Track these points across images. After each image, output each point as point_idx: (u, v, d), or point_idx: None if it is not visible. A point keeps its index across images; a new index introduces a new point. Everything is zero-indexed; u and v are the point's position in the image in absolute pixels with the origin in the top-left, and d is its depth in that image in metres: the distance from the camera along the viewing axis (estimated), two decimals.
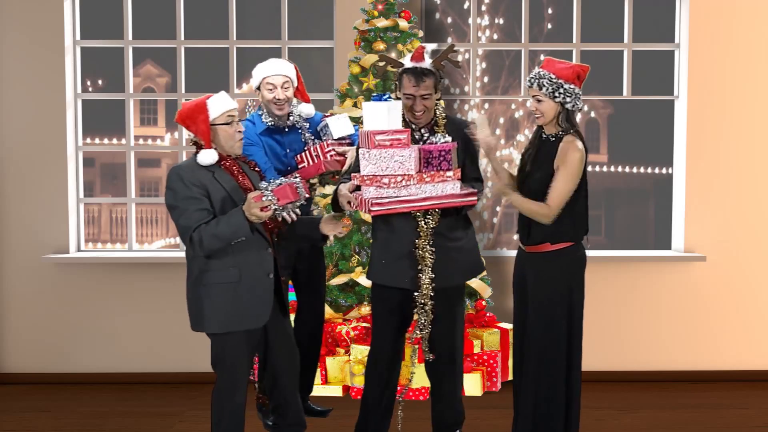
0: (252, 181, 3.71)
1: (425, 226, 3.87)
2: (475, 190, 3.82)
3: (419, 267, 3.88)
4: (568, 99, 3.81)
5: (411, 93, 3.86)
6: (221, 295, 3.59)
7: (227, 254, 3.57)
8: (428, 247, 3.87)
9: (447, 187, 3.74)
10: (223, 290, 3.58)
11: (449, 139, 3.84)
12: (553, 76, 3.81)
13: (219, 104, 3.63)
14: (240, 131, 3.68)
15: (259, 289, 3.63)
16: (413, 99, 3.86)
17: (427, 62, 3.87)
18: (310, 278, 4.46)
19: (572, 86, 3.81)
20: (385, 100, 3.74)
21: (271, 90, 4.17)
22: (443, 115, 3.96)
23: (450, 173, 3.72)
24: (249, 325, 3.63)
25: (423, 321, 3.92)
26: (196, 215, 3.51)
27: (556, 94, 3.80)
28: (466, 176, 3.94)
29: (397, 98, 3.91)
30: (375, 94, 3.85)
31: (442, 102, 4.04)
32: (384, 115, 3.69)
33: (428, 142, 3.86)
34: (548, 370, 3.88)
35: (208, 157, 3.59)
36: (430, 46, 3.90)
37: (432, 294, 3.89)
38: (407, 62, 3.89)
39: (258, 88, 4.24)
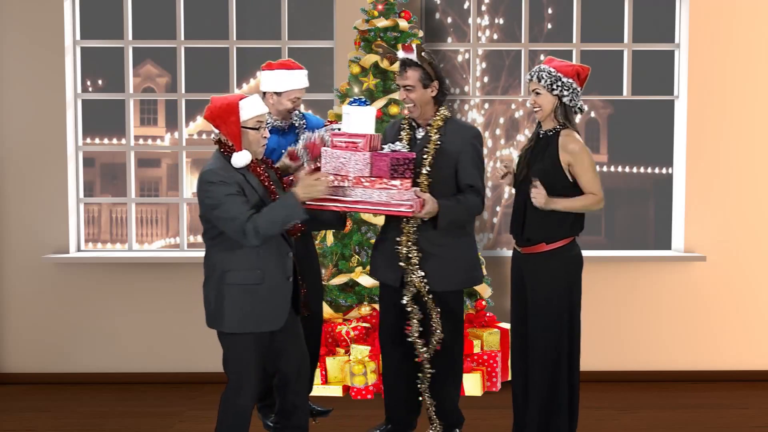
0: (274, 183, 3.73)
1: (407, 227, 3.91)
2: (410, 203, 3.68)
3: (403, 266, 3.92)
4: (565, 92, 3.85)
5: (397, 83, 3.96)
6: (243, 295, 3.58)
7: (252, 255, 3.58)
8: (412, 246, 3.91)
9: (374, 195, 3.70)
10: (245, 291, 3.59)
11: (404, 148, 3.80)
12: (553, 70, 3.87)
13: (251, 107, 3.60)
14: (266, 137, 3.68)
15: (279, 293, 3.65)
16: (400, 89, 3.95)
17: (413, 54, 3.91)
18: (306, 278, 4.43)
19: (570, 81, 3.85)
20: (362, 104, 3.79)
21: (294, 101, 4.23)
22: (443, 116, 3.97)
23: (396, 182, 3.67)
24: (265, 327, 3.62)
25: (413, 320, 3.97)
26: (244, 207, 3.51)
27: (554, 87, 3.85)
28: (459, 182, 3.93)
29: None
30: (353, 98, 3.88)
31: (447, 107, 4.03)
32: (349, 119, 3.77)
33: (385, 148, 3.83)
34: (551, 371, 3.89)
35: (241, 159, 3.58)
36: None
37: (420, 294, 3.92)
38: (400, 53, 3.96)
39: (276, 93, 4.23)
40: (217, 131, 3.64)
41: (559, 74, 3.86)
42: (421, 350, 4.00)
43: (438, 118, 3.96)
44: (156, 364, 5.82)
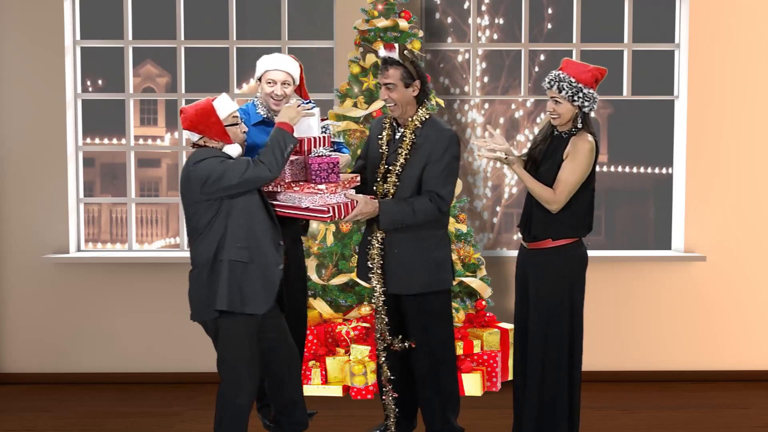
0: None
1: (375, 228, 3.95)
2: (326, 210, 3.71)
3: (369, 265, 3.98)
4: (586, 103, 3.83)
5: (378, 81, 3.98)
6: (233, 272, 3.64)
7: (242, 234, 3.65)
8: (377, 246, 3.94)
9: (303, 199, 3.78)
10: (235, 267, 3.65)
11: (331, 154, 3.83)
12: (573, 80, 3.82)
13: (224, 106, 3.69)
14: (244, 131, 3.75)
15: (268, 276, 3.71)
16: (381, 88, 3.95)
17: (395, 53, 3.91)
18: (293, 276, 4.40)
19: (591, 91, 3.83)
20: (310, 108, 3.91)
21: (270, 84, 4.16)
22: (421, 117, 3.94)
23: (322, 186, 3.74)
24: (249, 309, 3.67)
25: (378, 323, 4.03)
26: (241, 159, 3.63)
27: (575, 98, 3.81)
28: (422, 186, 3.90)
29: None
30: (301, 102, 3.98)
31: (438, 103, 4.02)
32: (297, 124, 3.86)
33: (317, 154, 3.90)
34: (551, 369, 3.89)
35: (233, 151, 3.69)
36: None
37: (383, 294, 3.97)
38: (381, 52, 3.96)
39: (259, 80, 4.23)
40: (197, 137, 3.70)
41: (580, 85, 3.81)
42: (379, 351, 4.06)
43: (416, 119, 3.94)
44: (156, 364, 5.82)
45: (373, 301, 4.03)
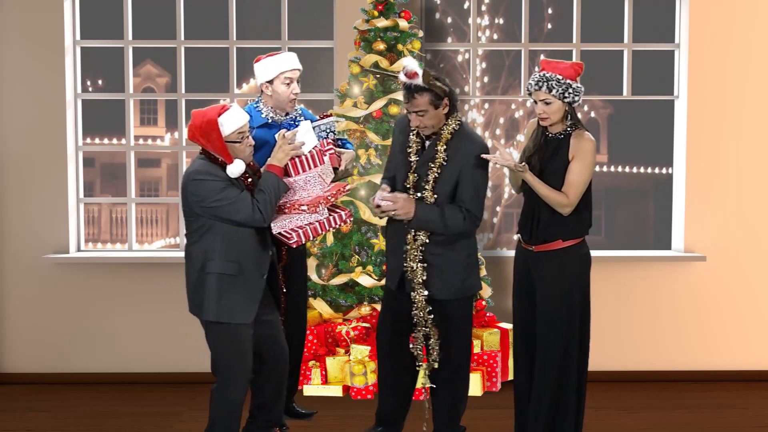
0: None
1: (411, 239, 3.90)
2: (290, 236, 3.76)
3: (409, 278, 3.92)
4: (576, 98, 3.82)
5: (407, 108, 3.86)
6: (220, 285, 3.66)
7: (232, 247, 3.65)
8: (417, 254, 3.88)
9: (294, 219, 3.84)
10: (222, 280, 3.66)
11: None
12: (560, 77, 3.80)
13: (230, 122, 3.61)
14: (251, 145, 3.72)
15: (252, 288, 3.73)
16: (409, 114, 3.86)
17: (419, 79, 3.77)
18: (294, 278, 4.40)
19: (578, 85, 3.82)
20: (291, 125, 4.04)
21: (289, 84, 4.09)
22: (451, 129, 3.86)
23: (305, 206, 3.80)
24: (237, 319, 3.69)
25: (418, 327, 3.98)
26: (244, 194, 3.62)
27: (566, 95, 3.79)
28: (457, 199, 3.86)
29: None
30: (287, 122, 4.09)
31: (456, 118, 3.90)
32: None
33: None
34: (563, 370, 3.88)
35: (237, 169, 3.64)
36: (413, 63, 3.80)
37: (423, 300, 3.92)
38: (401, 77, 3.83)
39: (269, 82, 4.15)
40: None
41: (568, 81, 3.79)
42: (421, 365, 4.02)
43: (446, 131, 3.86)
44: (156, 364, 5.82)
45: (414, 312, 3.94)
